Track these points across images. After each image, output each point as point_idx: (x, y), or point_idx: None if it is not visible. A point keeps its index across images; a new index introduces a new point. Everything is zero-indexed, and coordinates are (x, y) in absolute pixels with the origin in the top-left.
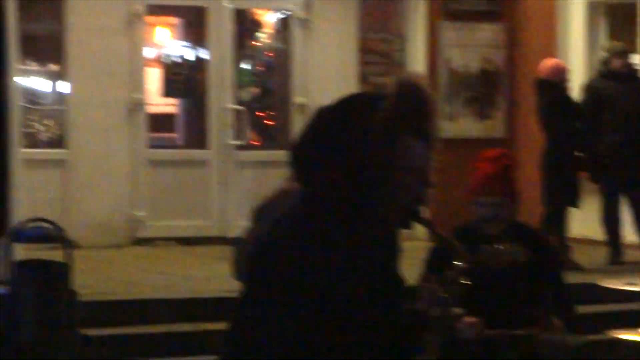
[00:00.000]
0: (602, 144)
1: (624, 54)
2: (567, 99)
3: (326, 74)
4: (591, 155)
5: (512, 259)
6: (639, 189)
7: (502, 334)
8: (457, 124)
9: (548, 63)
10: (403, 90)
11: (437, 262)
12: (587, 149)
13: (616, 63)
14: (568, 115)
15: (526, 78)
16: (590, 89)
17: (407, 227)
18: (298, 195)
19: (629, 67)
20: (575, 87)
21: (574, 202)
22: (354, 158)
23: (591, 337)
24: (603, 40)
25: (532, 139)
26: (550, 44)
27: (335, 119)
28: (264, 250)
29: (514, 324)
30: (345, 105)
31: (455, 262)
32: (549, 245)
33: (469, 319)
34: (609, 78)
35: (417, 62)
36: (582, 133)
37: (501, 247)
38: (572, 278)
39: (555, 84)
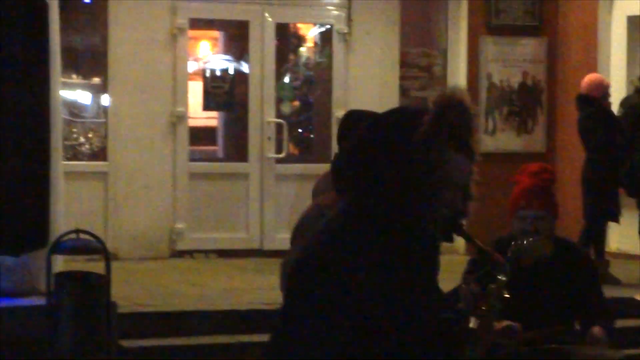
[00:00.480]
0: (638, 159)
1: None
2: (608, 114)
3: (366, 87)
4: (628, 170)
5: (541, 253)
6: None
7: (541, 349)
8: (497, 138)
9: (589, 78)
10: (447, 104)
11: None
12: (625, 164)
13: None
14: (609, 130)
15: (566, 93)
16: (627, 104)
17: (449, 240)
18: (337, 208)
19: None
20: (615, 103)
21: (614, 216)
22: (397, 171)
23: (629, 351)
24: None
25: (572, 154)
26: (591, 59)
27: (380, 132)
28: (303, 263)
29: (555, 338)
30: (389, 119)
31: (498, 276)
32: (588, 260)
33: (508, 325)
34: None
35: (457, 76)
36: (623, 148)
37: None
38: (610, 292)
39: (596, 99)
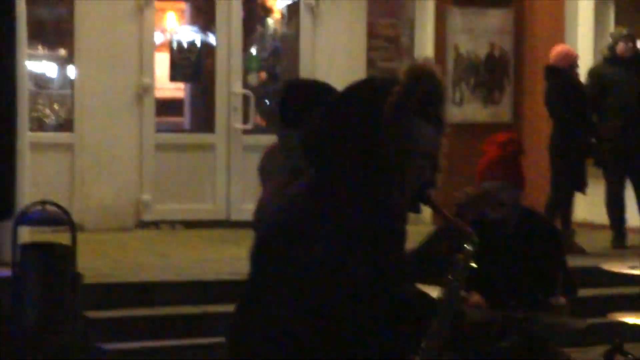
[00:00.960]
0: (605, 128)
1: (628, 38)
2: (576, 85)
3: (334, 59)
4: (596, 140)
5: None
6: None
7: (504, 316)
8: (464, 109)
9: (557, 49)
10: (415, 75)
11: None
12: (592, 134)
13: (621, 47)
14: (576, 101)
15: (533, 64)
16: (594, 74)
17: (417, 211)
18: (301, 183)
19: (634, 52)
20: (583, 74)
21: (580, 187)
22: (366, 142)
23: (593, 320)
24: (611, 26)
25: (539, 125)
26: (559, 30)
27: (348, 104)
28: (269, 234)
29: (518, 306)
30: (357, 91)
31: (466, 246)
32: (553, 230)
33: (474, 299)
34: (614, 63)
35: (424, 47)
36: (590, 119)
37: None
38: (575, 262)
39: (563, 70)
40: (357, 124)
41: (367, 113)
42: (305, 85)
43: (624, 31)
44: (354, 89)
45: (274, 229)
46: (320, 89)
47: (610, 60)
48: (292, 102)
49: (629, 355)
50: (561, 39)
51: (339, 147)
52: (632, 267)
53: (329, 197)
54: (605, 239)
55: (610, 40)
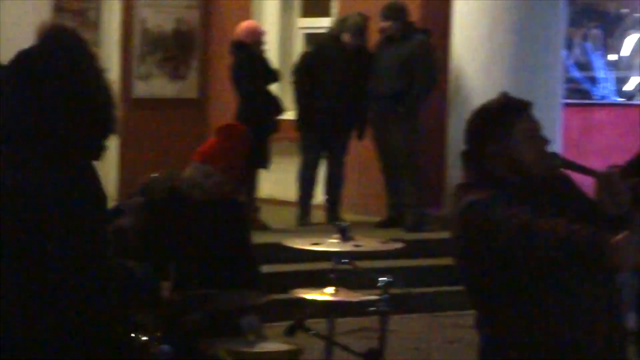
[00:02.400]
0: (311, 107)
1: (357, 31)
2: (261, 61)
3: (21, 34)
4: (299, 116)
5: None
6: (340, 151)
7: (187, 294)
8: (150, 84)
9: (243, 24)
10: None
11: None
12: (276, 111)
13: (346, 37)
14: (260, 77)
15: (221, 39)
16: (306, 55)
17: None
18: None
19: (355, 40)
20: (273, 50)
21: (263, 163)
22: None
23: (275, 295)
24: (296, 3)
25: (226, 100)
26: (245, 6)
27: (19, 67)
28: None
29: (201, 284)
30: (27, 55)
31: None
32: (238, 206)
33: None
34: (326, 46)
35: (111, 21)
36: (273, 96)
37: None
38: (259, 238)
39: (249, 45)
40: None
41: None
42: None
43: (358, 23)
44: (24, 54)
45: None
46: None
47: (323, 43)
48: None
49: (310, 331)
50: (248, 15)
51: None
52: (314, 244)
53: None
54: (290, 215)
55: (334, 26)
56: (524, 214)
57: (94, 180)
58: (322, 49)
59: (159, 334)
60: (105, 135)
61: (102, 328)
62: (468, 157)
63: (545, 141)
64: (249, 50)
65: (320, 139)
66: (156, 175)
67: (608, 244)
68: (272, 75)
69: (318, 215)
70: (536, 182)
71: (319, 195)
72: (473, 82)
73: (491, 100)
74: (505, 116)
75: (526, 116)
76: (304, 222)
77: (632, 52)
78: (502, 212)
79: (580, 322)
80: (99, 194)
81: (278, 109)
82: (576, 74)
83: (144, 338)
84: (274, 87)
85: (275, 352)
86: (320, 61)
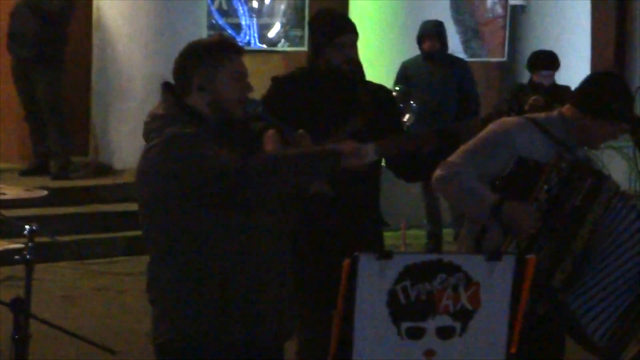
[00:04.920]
0: None
1: None
2: None
3: None
4: None
5: None
6: None
7: None
8: None
9: None
10: None
11: None
12: None
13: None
14: None
15: None
16: None
17: None
18: None
19: None
20: None
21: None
22: None
23: None
24: None
25: None
26: None
27: None
28: None
29: None
30: None
31: None
32: None
33: None
34: None
35: None
36: None
37: None
38: None
39: None
40: None
41: None
42: None
43: None
44: None
45: None
46: None
47: None
48: None
49: None
50: None
51: None
52: None
53: None
54: None
55: None
56: (233, 154)
57: None
58: None
59: None
60: None
61: None
62: (169, 88)
63: (249, 87)
64: None
65: None
66: None
67: (337, 149)
68: None
69: None
70: (236, 124)
71: None
72: (116, 24)
73: (209, 37)
74: (217, 54)
75: (237, 60)
76: None
77: None
78: (210, 148)
79: (255, 268)
80: None
81: None
82: (220, 20)
83: None
84: None
85: None
86: None
